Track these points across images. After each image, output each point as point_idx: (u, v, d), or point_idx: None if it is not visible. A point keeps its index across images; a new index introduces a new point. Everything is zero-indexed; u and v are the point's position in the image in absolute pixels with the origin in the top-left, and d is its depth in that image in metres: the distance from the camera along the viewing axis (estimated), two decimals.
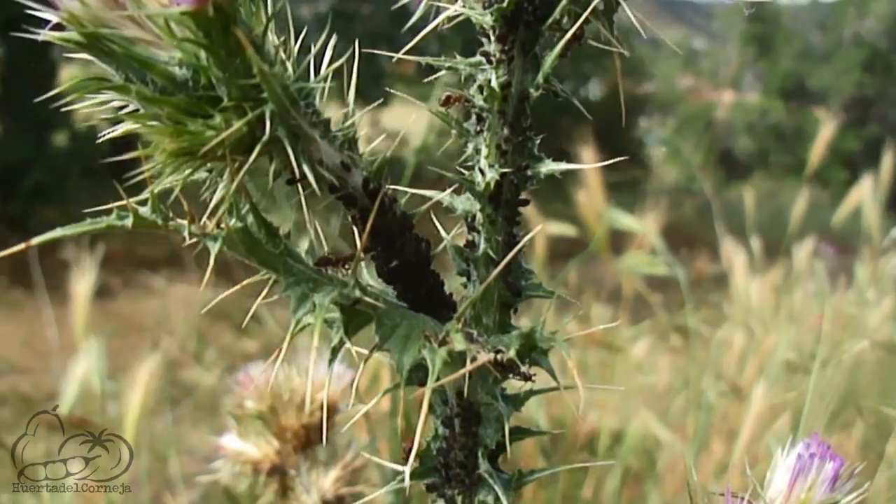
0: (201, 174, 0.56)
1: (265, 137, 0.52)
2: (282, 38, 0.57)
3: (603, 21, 0.62)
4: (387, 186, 0.61)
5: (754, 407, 3.02)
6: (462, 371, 0.55)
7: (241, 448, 1.36)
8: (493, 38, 0.63)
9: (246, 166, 0.53)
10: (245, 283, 0.62)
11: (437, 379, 0.55)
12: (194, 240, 0.56)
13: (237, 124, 0.50)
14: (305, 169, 0.54)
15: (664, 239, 3.88)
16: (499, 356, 0.57)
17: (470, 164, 0.66)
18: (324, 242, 0.63)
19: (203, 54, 0.52)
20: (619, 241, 3.65)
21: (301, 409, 1.31)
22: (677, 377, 4.01)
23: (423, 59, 0.65)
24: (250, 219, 0.57)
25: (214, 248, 0.54)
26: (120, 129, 0.53)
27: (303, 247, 0.62)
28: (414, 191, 0.66)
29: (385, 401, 2.11)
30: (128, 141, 0.54)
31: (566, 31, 0.63)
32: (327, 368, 0.63)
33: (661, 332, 4.18)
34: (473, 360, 0.57)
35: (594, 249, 3.26)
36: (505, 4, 0.60)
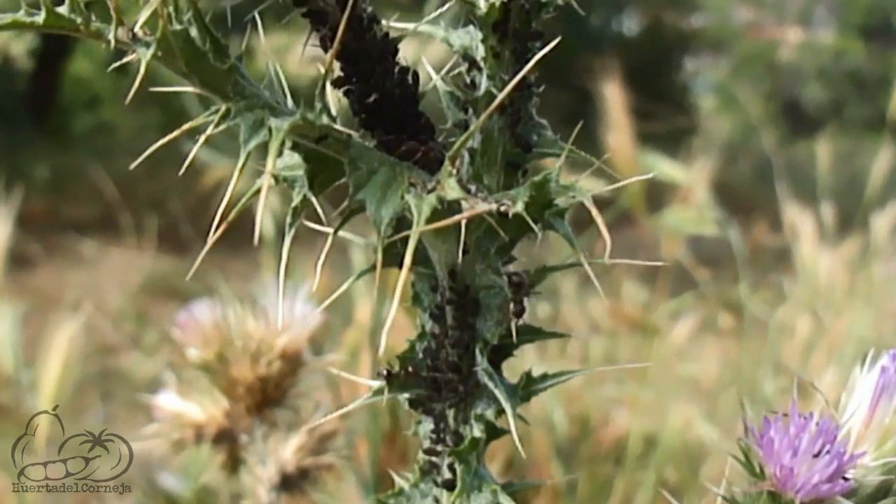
0: None
1: None
2: None
3: None
4: (366, 2, 0.60)
5: (821, 405, 3.02)
6: (455, 218, 0.54)
7: (181, 408, 1.35)
8: None
9: None
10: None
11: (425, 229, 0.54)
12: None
13: None
14: None
15: (714, 200, 3.87)
16: (503, 208, 0.56)
17: None
18: (283, 79, 0.62)
19: None
20: (658, 198, 3.64)
21: (257, 358, 1.30)
22: (727, 368, 4.01)
23: None
24: (193, 30, 0.55)
25: (146, 55, 0.52)
26: None
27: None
28: (399, 25, 0.65)
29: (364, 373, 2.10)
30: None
31: None
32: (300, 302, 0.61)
33: (708, 312, 4.17)
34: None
35: (627, 205, 3.25)
36: None
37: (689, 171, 3.54)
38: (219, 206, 0.55)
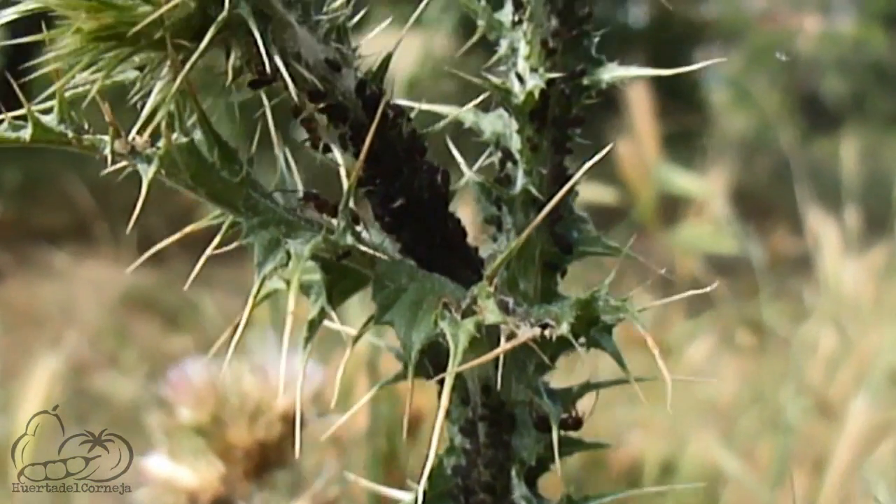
0: (129, 71, 0.52)
1: (222, 17, 0.48)
2: None
3: None
4: (390, 95, 0.57)
5: (849, 429, 3.00)
6: (496, 352, 0.51)
7: (173, 473, 1.33)
8: None
9: (194, 57, 0.49)
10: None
11: (461, 366, 0.52)
12: (118, 165, 0.52)
13: None
14: (278, 62, 0.50)
15: (729, 202, 3.84)
16: (546, 332, 0.53)
17: (503, 68, 0.62)
18: (296, 177, 0.59)
19: None
20: (671, 209, 3.61)
21: (255, 419, 1.28)
22: (747, 388, 3.99)
23: None
24: (198, 134, 0.53)
25: (148, 172, 0.50)
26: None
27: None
28: (425, 106, 0.62)
29: (361, 417, 2.07)
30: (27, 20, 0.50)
31: None
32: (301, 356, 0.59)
33: (726, 328, 4.15)
34: (511, 337, 0.53)
35: (639, 218, 3.23)
36: None
37: (704, 179, 3.51)
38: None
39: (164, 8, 0.47)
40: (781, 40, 9.14)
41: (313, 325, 0.58)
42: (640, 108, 3.05)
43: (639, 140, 3.06)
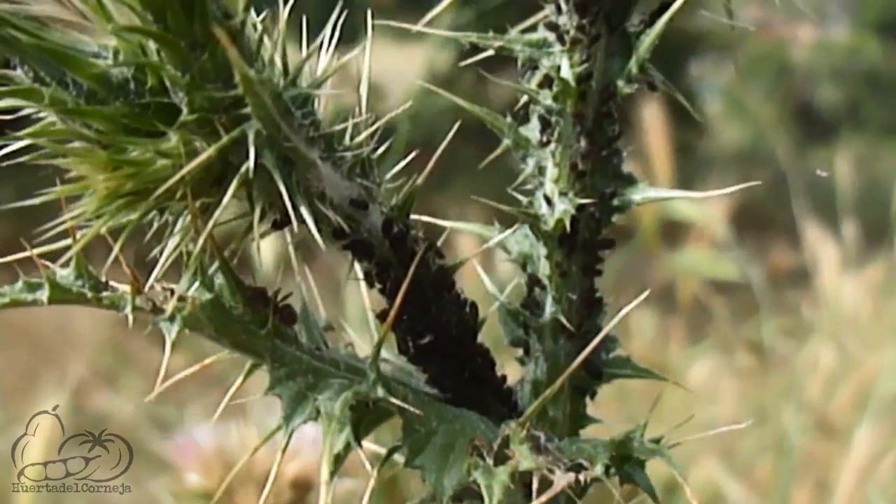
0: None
1: (246, 168, 0.46)
2: (264, 16, 0.51)
3: None
4: (416, 229, 0.55)
5: (854, 454, 2.99)
6: None
7: None
8: (565, 4, 0.57)
9: (217, 212, 0.47)
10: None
11: None
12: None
13: (204, 154, 0.44)
14: (302, 208, 0.49)
15: (727, 221, 3.81)
16: (581, 476, 0.51)
17: (529, 186, 0.60)
18: (319, 304, 0.58)
19: (152, 45, 0.46)
20: (673, 229, 3.59)
21: (264, 486, 1.26)
22: (748, 408, 3.97)
23: (454, 36, 0.59)
24: (219, 279, 0.51)
25: (172, 331, 0.48)
26: (27, 156, 0.48)
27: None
28: (443, 223, 0.60)
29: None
30: (45, 171, 0.48)
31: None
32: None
33: (726, 347, 4.13)
34: (544, 484, 0.51)
35: (641, 242, 3.21)
36: None
37: (704, 201, 3.49)
38: None
39: (188, 168, 0.44)
40: (776, 50, 9.12)
41: (338, 460, 0.56)
42: (654, 131, 3.03)
43: (650, 164, 3.05)
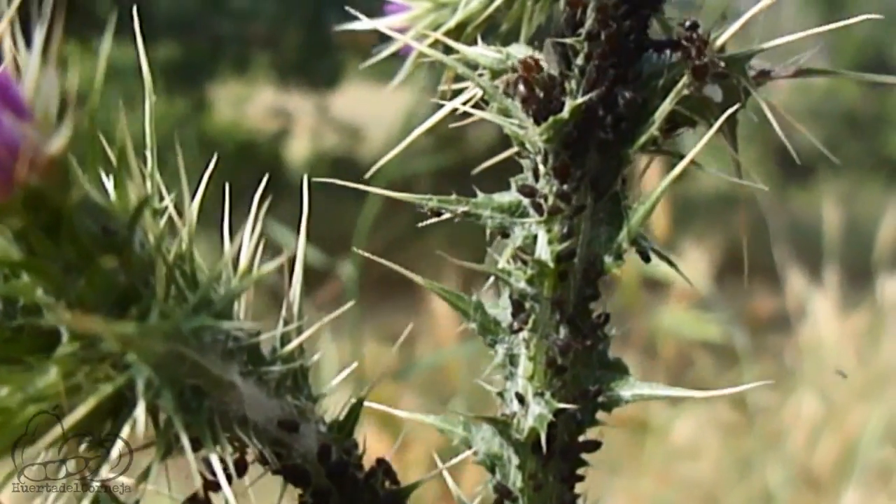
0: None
1: (139, 410, 0.37)
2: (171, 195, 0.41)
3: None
4: (355, 439, 0.45)
5: None
6: None
7: None
8: (543, 165, 0.47)
9: (113, 451, 0.37)
10: None
11: None
12: None
13: (85, 406, 0.34)
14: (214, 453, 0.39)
15: (709, 275, 3.73)
16: None
17: (498, 377, 0.50)
18: None
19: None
20: (653, 285, 3.50)
21: None
22: (731, 462, 3.87)
23: (416, 200, 0.50)
24: None
25: None
26: None
27: None
28: (408, 415, 0.50)
29: None
30: None
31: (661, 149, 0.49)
32: None
33: (708, 400, 4.03)
34: None
35: (623, 301, 3.12)
36: (566, 114, 0.44)
37: (684, 256, 3.42)
38: None
39: (68, 424, 0.34)
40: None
41: None
42: (651, 182, 2.94)
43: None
